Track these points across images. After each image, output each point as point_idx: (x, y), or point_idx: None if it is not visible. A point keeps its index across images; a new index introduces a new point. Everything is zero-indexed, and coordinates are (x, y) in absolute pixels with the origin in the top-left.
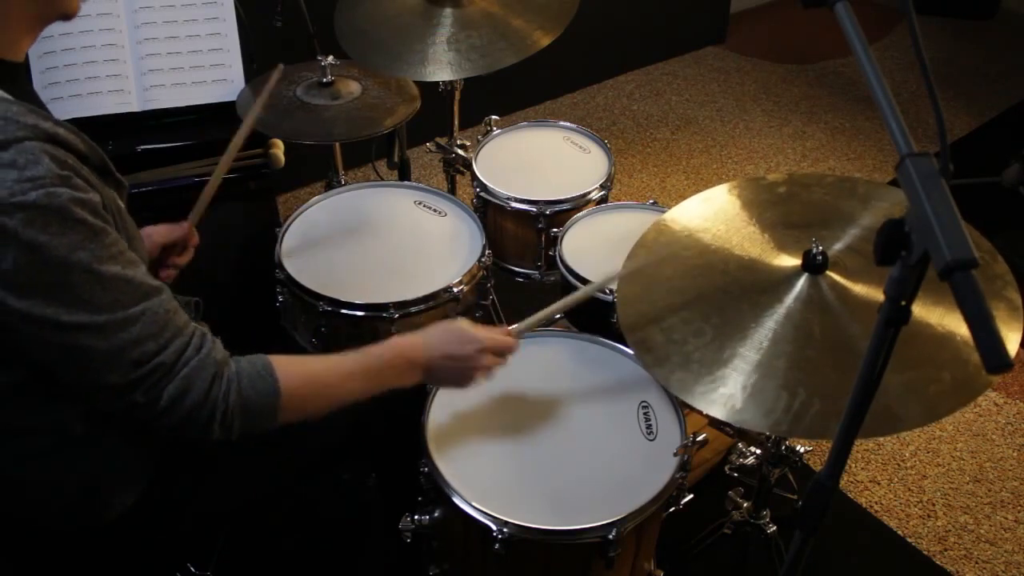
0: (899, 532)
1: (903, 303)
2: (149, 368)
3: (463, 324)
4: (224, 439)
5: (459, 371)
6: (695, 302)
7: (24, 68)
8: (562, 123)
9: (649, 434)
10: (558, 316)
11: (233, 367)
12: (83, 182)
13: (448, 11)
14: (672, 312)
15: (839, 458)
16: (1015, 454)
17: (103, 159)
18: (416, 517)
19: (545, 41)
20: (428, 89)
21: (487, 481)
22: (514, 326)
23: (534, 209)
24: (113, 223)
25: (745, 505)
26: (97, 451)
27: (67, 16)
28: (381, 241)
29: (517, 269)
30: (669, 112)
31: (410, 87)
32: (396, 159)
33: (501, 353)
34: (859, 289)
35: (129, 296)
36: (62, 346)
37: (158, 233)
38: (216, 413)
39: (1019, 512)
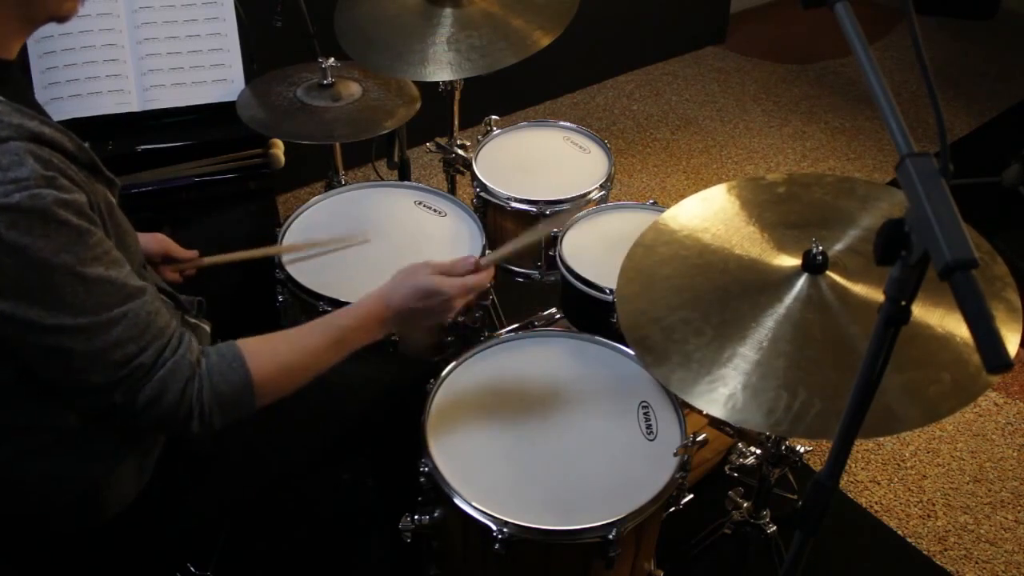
0: (899, 532)
1: (903, 303)
2: (129, 369)
3: (428, 276)
4: (206, 434)
5: (427, 322)
6: (695, 302)
7: (17, 65)
8: (562, 123)
9: (649, 434)
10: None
11: (204, 365)
12: (68, 182)
13: (448, 11)
14: (672, 311)
15: (839, 458)
16: (1015, 454)
17: (92, 158)
18: (416, 517)
19: (545, 41)
20: (428, 89)
21: (487, 481)
22: (484, 258)
23: (534, 209)
24: (101, 222)
25: (745, 505)
26: (96, 449)
27: (60, 19)
28: (381, 241)
29: (517, 269)
30: (669, 112)
31: (410, 88)
32: (396, 159)
33: (470, 294)
34: (859, 289)
35: (112, 298)
36: (44, 347)
37: (171, 246)
38: (193, 411)
39: (1019, 512)
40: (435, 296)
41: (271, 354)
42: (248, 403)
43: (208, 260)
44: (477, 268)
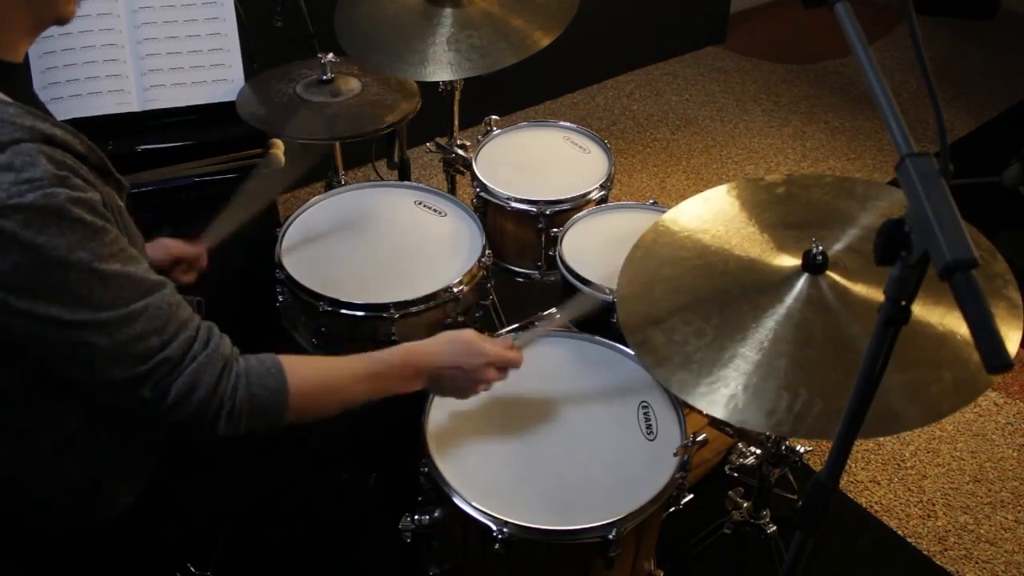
0: (899, 532)
1: (903, 303)
2: (154, 363)
3: (471, 336)
4: (230, 436)
5: (462, 382)
6: (695, 302)
7: (23, 69)
8: (562, 123)
9: (649, 434)
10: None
11: (241, 363)
12: (81, 181)
13: (448, 11)
14: (672, 312)
15: (839, 458)
16: (1015, 454)
17: (102, 159)
18: (416, 517)
19: (545, 41)
20: (428, 89)
21: (487, 481)
22: (520, 338)
23: (534, 209)
24: (114, 221)
25: (745, 505)
26: (97, 449)
27: (62, 21)
28: (381, 241)
29: (517, 269)
30: (669, 112)
31: (410, 84)
32: (396, 159)
33: (505, 368)
34: (859, 289)
35: (131, 292)
36: (66, 344)
37: (174, 246)
38: (223, 409)
39: (1019, 512)
40: (475, 356)
41: (310, 369)
42: (279, 412)
43: (210, 241)
44: (515, 349)
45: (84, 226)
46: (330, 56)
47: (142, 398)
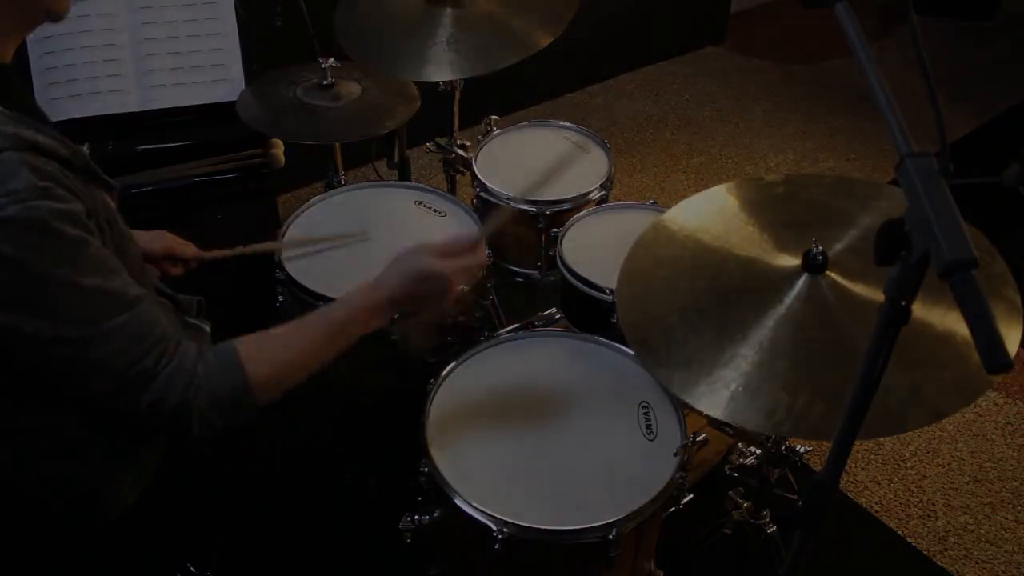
0: (899, 532)
1: (903, 303)
2: (130, 376)
3: (423, 259)
4: (210, 435)
5: (426, 306)
6: (695, 302)
7: (13, 68)
8: (562, 123)
9: (649, 434)
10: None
11: (201, 369)
12: (65, 191)
13: (448, 11)
14: (672, 312)
15: (839, 458)
16: (1015, 454)
17: (87, 162)
18: (416, 517)
19: (545, 41)
20: (428, 89)
21: (487, 481)
22: (479, 231)
23: (534, 209)
24: (98, 228)
25: (745, 505)
26: (96, 452)
27: (55, 16)
28: (381, 241)
29: (517, 269)
30: (669, 112)
31: (410, 88)
32: (396, 159)
33: (470, 271)
34: (859, 289)
35: (110, 308)
36: (44, 357)
37: (172, 240)
38: (192, 415)
39: (1019, 512)
40: (433, 280)
41: (267, 353)
42: (248, 403)
43: (209, 255)
44: (476, 246)
45: (65, 240)
46: (331, 60)
47: (116, 408)
